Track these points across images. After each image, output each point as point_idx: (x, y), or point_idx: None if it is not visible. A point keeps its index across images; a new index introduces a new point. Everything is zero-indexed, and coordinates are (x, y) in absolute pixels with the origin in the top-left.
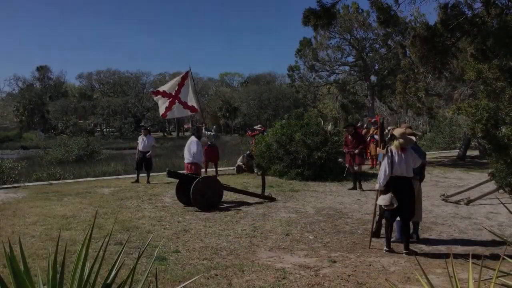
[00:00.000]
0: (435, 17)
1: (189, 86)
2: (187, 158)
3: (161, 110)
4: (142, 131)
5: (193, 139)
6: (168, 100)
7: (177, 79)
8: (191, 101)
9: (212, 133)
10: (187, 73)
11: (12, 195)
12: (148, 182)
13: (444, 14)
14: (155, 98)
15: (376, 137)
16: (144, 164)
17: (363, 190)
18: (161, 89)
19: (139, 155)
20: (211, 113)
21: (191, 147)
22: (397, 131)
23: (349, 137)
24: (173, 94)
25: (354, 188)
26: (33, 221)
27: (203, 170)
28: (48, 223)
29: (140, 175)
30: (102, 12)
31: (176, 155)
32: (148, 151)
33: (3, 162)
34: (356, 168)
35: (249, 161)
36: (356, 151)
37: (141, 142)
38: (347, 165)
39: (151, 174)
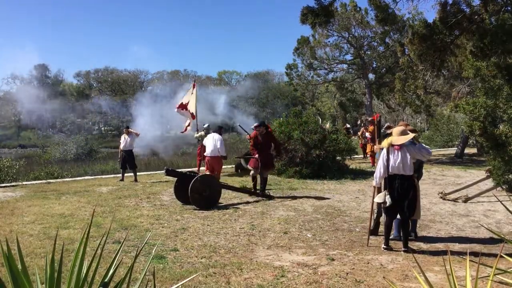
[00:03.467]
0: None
1: (194, 96)
2: (212, 152)
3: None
4: (124, 130)
5: (217, 135)
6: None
7: (190, 90)
8: (192, 108)
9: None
10: (193, 84)
11: (10, 193)
12: (136, 180)
13: (443, 11)
14: (177, 111)
15: (368, 134)
16: (128, 163)
17: (258, 196)
18: (181, 102)
19: (122, 154)
20: None
21: (217, 143)
22: (395, 129)
23: (259, 138)
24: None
25: (269, 197)
26: (31, 220)
27: (195, 169)
28: (46, 222)
29: (126, 174)
30: (100, 10)
31: (175, 153)
32: (131, 150)
33: (1, 161)
34: (252, 172)
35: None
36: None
37: (123, 141)
38: (249, 166)
39: (150, 173)
